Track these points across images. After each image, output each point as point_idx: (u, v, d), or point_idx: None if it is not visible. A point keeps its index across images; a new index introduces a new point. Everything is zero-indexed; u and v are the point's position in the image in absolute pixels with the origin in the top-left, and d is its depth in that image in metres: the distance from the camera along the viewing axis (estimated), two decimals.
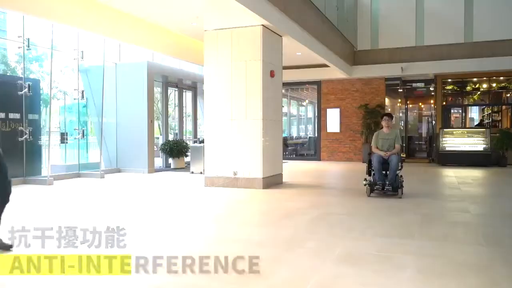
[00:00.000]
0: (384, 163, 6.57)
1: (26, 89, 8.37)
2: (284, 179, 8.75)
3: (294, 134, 18.00)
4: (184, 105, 13.69)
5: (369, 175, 6.77)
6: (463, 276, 3.08)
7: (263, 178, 7.67)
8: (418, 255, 3.59)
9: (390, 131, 6.87)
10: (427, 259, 3.49)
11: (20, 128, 8.38)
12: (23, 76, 8.65)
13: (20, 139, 8.36)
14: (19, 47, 8.40)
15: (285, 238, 4.22)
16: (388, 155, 6.55)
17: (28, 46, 8.38)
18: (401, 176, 6.63)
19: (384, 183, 6.45)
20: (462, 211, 5.67)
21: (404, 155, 6.48)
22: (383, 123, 6.91)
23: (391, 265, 3.35)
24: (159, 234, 4.41)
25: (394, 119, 7.23)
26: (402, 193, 6.44)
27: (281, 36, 8.41)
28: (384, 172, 6.57)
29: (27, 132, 8.40)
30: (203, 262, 3.37)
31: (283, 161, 13.76)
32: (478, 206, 6.11)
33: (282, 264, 3.37)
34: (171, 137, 12.54)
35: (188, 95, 13.90)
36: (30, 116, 8.65)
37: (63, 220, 5.11)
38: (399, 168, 6.60)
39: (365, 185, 6.64)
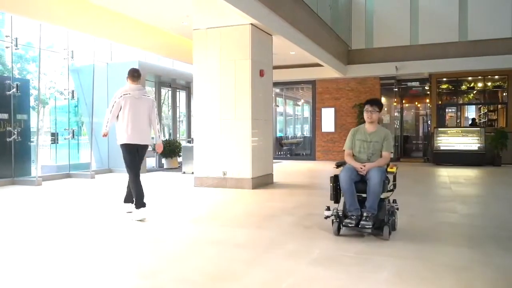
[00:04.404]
0: (361, 182, 4.18)
1: (14, 89, 8.31)
2: (276, 179, 8.70)
3: (290, 134, 17.95)
4: (177, 105, 13.65)
5: (336, 201, 4.29)
6: (440, 278, 3.03)
7: (252, 178, 7.61)
8: (397, 257, 3.52)
9: (377, 128, 4.43)
10: (406, 260, 3.43)
11: (9, 128, 8.33)
12: (11, 76, 8.60)
13: (8, 139, 8.31)
14: (7, 47, 8.36)
15: (266, 239, 4.17)
16: (366, 169, 4.17)
17: (16, 46, 8.34)
18: (394, 202, 4.36)
19: (361, 214, 4.04)
20: (449, 212, 5.62)
21: (393, 169, 4.24)
22: (365, 114, 4.43)
23: (369, 267, 3.29)
24: (139, 235, 4.35)
25: (383, 111, 4.51)
26: (390, 232, 4.05)
27: (271, 35, 8.35)
28: (363, 195, 4.17)
29: (15, 133, 8.35)
30: (179, 264, 3.35)
31: (278, 161, 13.78)
32: (467, 206, 6.04)
33: (258, 266, 3.31)
34: (166, 137, 12.50)
35: (182, 95, 13.86)
36: (19, 116, 8.60)
37: (36, 221, 5.06)
38: (389, 189, 4.26)
39: (326, 217, 4.26)
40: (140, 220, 4.87)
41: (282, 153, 16.01)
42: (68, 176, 9.62)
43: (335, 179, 4.29)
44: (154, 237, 4.29)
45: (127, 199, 5.28)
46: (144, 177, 9.85)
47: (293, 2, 8.90)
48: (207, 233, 4.48)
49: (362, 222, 3.94)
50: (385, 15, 13.75)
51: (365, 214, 4.00)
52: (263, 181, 8.02)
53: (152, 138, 5.67)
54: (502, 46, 12.26)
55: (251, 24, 7.57)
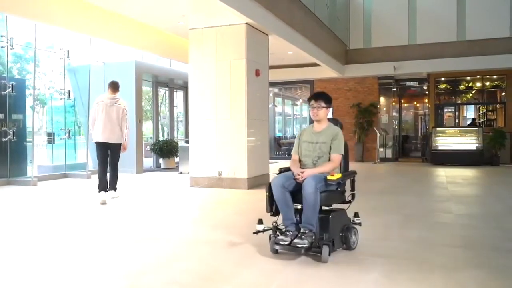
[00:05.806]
0: (299, 191, 3.40)
1: (10, 89, 8.29)
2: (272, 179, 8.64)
3: (289, 134, 17.93)
4: (175, 104, 13.61)
5: (274, 213, 3.59)
6: (431, 279, 2.99)
7: (247, 178, 7.58)
8: (389, 258, 3.49)
9: (326, 127, 3.75)
10: (398, 261, 3.40)
11: (4, 128, 8.31)
12: (6, 76, 8.58)
13: (3, 139, 8.29)
14: (2, 47, 8.33)
15: (257, 239, 4.12)
16: (305, 176, 3.41)
17: (12, 46, 8.31)
18: (356, 215, 3.73)
19: (299, 230, 3.38)
20: (445, 212, 5.58)
21: (333, 177, 3.43)
22: (311, 112, 3.77)
23: (359, 267, 3.26)
24: (131, 235, 4.32)
25: (330, 104, 3.80)
26: (329, 252, 3.29)
27: (267, 35, 8.32)
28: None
29: (11, 133, 8.32)
30: (169, 265, 3.32)
31: (276, 161, 13.73)
32: (463, 206, 6.01)
33: (247, 267, 3.28)
34: (163, 137, 12.47)
35: (179, 95, 13.82)
36: (14, 116, 8.58)
37: (28, 221, 5.03)
38: (348, 199, 3.70)
39: (256, 232, 3.60)
40: (102, 204, 5.96)
41: (280, 153, 15.97)
42: (65, 176, 9.59)
43: (270, 187, 3.53)
44: (146, 237, 4.26)
45: (111, 186, 6.41)
46: (140, 177, 9.92)
47: (290, 2, 8.87)
48: (199, 233, 4.46)
49: (295, 240, 3.27)
50: (383, 15, 13.72)
51: (302, 230, 3.34)
52: (259, 181, 7.98)
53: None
54: (500, 46, 12.23)
55: (247, 23, 7.54)
